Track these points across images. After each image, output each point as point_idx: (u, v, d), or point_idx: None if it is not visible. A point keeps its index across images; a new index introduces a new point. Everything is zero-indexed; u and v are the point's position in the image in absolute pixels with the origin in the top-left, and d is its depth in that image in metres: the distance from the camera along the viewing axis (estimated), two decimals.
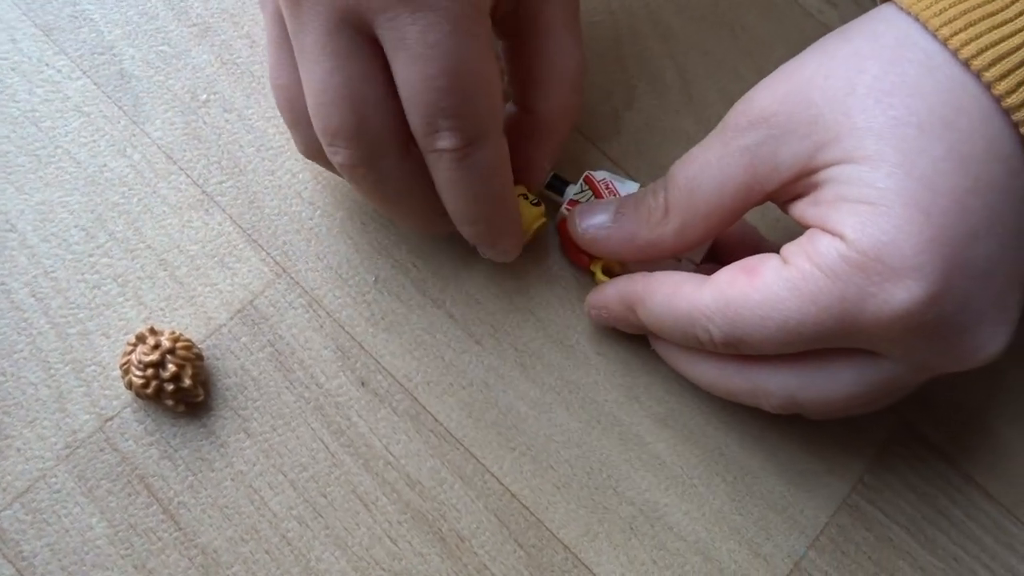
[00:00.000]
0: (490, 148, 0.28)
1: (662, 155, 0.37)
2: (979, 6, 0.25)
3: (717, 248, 0.33)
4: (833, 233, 0.26)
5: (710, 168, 0.28)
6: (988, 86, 0.25)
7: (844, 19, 0.39)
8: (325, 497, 0.31)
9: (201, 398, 0.31)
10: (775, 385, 0.28)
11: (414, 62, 0.26)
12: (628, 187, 0.34)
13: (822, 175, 0.26)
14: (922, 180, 0.25)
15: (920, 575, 0.32)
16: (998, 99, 0.25)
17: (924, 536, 0.33)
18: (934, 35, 0.26)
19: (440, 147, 0.28)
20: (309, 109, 0.28)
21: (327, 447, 0.32)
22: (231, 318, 0.33)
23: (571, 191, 0.34)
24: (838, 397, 0.28)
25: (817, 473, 0.33)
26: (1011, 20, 0.25)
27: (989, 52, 0.25)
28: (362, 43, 0.27)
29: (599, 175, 0.34)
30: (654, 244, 0.31)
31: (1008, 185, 0.25)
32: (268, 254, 0.34)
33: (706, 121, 0.38)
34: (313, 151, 0.30)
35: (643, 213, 0.31)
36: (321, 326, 0.33)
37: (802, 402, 0.28)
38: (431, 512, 0.32)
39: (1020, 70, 0.25)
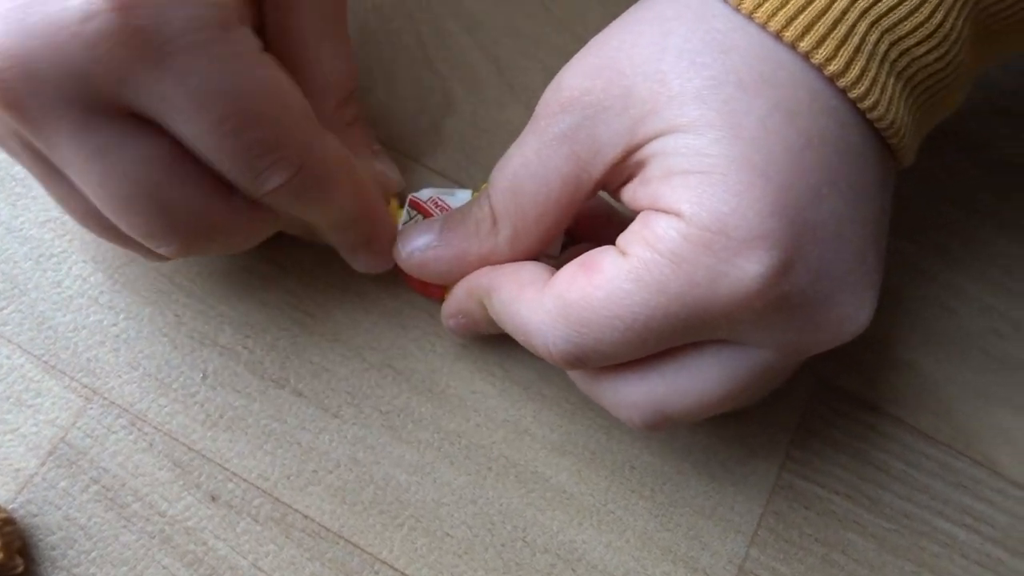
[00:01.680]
0: (322, 154, 0.25)
1: (494, 156, 0.33)
2: None
3: (570, 230, 0.30)
4: (668, 212, 0.23)
5: (530, 165, 0.25)
6: (792, 45, 0.23)
7: None
8: None
9: (20, 569, 0.26)
10: (640, 395, 0.25)
11: (191, 119, 0.23)
12: (461, 198, 0.30)
13: (646, 150, 0.24)
14: (753, 141, 0.22)
15: (873, 543, 0.29)
16: (805, 56, 0.23)
17: (868, 499, 0.30)
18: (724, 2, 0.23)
19: (272, 187, 0.24)
20: (110, 218, 0.24)
21: None
22: (42, 464, 0.28)
23: (400, 222, 0.30)
24: (710, 398, 0.25)
25: (740, 460, 0.30)
26: None
27: (781, 12, 0.23)
28: (120, 122, 0.23)
29: (424, 195, 0.30)
30: (488, 258, 0.27)
31: (841, 138, 0.23)
32: (72, 378, 0.29)
33: (534, 108, 0.34)
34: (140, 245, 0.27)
35: (470, 226, 0.27)
36: (151, 444, 0.29)
37: (672, 412, 0.25)
38: None
39: (819, 24, 0.22)
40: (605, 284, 0.23)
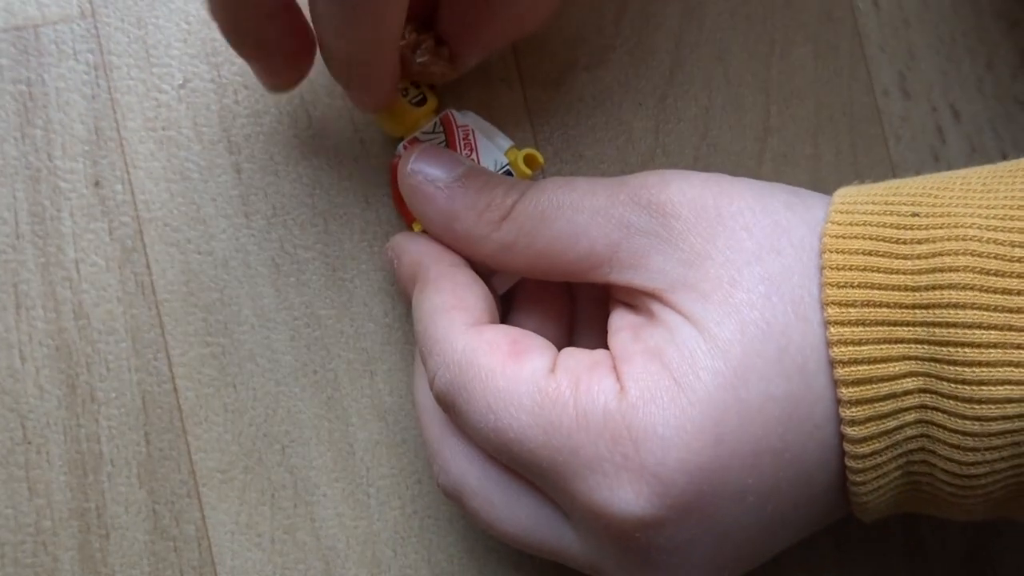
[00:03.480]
0: None
1: (585, 142, 0.30)
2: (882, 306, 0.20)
3: None
4: (620, 378, 0.21)
5: (580, 213, 0.23)
6: (835, 381, 0.20)
7: (907, 116, 0.30)
8: None
9: None
10: (456, 468, 0.23)
11: None
12: (493, 148, 0.27)
13: (667, 315, 0.21)
14: (741, 404, 0.20)
15: None
16: (837, 401, 0.20)
17: None
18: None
19: None
20: None
21: (17, 224, 0.27)
22: (4, 31, 0.28)
23: (420, 128, 0.27)
24: (502, 528, 0.23)
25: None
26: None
27: (851, 347, 0.20)
28: None
29: (463, 118, 0.27)
30: (469, 240, 0.25)
31: (809, 474, 0.21)
32: None
33: (663, 133, 0.30)
34: None
35: (482, 201, 0.24)
36: (94, 96, 0.28)
37: (468, 506, 0.24)
38: (80, 354, 0.27)
39: (871, 387, 0.20)
40: (512, 380, 0.21)
